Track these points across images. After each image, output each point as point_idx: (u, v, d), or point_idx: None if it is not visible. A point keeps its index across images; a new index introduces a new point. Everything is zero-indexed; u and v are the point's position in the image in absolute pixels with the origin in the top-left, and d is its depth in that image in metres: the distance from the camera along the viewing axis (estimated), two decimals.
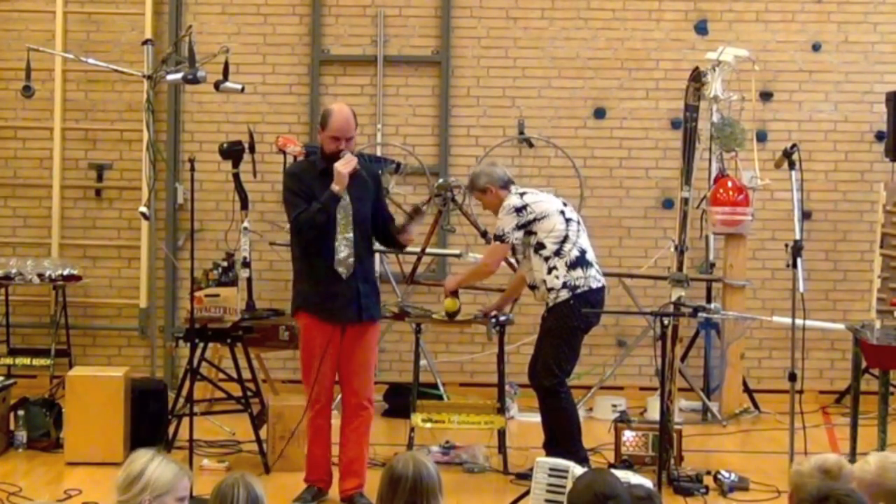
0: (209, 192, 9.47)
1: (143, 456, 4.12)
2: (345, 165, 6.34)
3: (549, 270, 6.98)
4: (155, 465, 4.06)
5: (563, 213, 7.10)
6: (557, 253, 6.99)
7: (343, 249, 6.41)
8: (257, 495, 3.89)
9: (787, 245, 6.22)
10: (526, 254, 7.13)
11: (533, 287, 7.15)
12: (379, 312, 6.74)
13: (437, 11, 9.61)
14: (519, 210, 7.04)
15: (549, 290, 6.99)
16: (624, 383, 9.36)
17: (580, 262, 7.03)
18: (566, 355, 7.01)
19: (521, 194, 7.15)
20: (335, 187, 6.33)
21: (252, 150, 8.55)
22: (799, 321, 6.10)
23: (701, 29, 9.58)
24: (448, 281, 7.61)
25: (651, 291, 9.17)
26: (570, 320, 6.97)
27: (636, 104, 9.61)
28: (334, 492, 6.63)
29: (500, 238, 7.08)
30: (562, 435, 7.00)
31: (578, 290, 6.96)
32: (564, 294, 6.95)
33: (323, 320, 6.47)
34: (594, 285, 7.04)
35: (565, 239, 7.01)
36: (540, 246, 7.02)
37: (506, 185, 7.20)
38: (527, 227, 7.03)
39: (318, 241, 6.44)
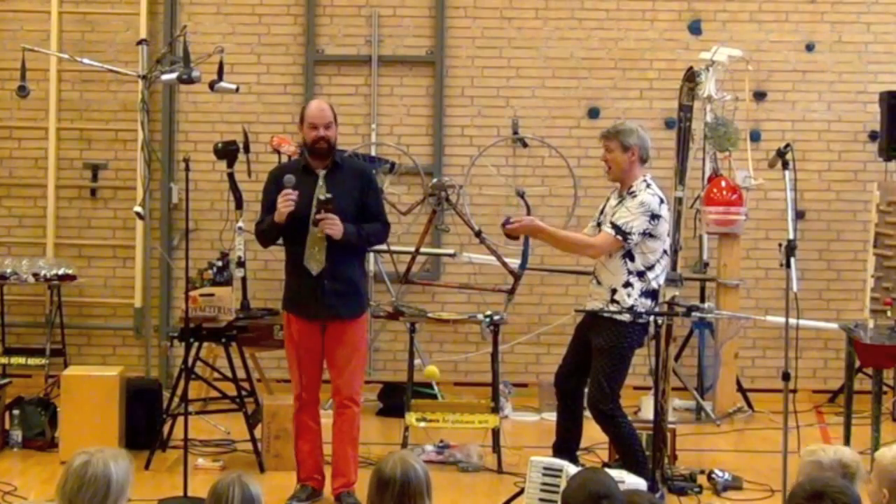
0: (204, 191, 9.47)
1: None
2: (285, 204, 6.28)
3: (626, 285, 6.56)
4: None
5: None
6: (641, 275, 6.58)
7: (312, 244, 6.36)
8: (253, 495, 3.88)
9: (780, 244, 6.20)
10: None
11: (597, 280, 6.72)
12: (352, 312, 6.47)
13: (432, 11, 9.62)
14: (654, 217, 6.56)
15: (613, 301, 6.59)
16: None
17: (654, 294, 6.64)
18: (618, 376, 6.66)
19: (660, 198, 6.64)
20: (276, 217, 6.34)
21: (247, 149, 8.55)
22: (792, 321, 6.09)
23: (695, 29, 9.59)
24: (533, 223, 6.89)
25: None
26: (625, 341, 6.61)
27: (630, 104, 9.62)
28: (328, 491, 6.64)
29: (624, 234, 6.53)
30: (629, 461, 6.66)
31: (640, 321, 6.58)
32: (626, 317, 6.54)
33: (298, 317, 6.52)
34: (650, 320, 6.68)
35: (653, 267, 6.61)
36: (630, 256, 6.60)
37: (644, 161, 6.77)
38: (646, 234, 6.60)
39: (291, 236, 6.46)
